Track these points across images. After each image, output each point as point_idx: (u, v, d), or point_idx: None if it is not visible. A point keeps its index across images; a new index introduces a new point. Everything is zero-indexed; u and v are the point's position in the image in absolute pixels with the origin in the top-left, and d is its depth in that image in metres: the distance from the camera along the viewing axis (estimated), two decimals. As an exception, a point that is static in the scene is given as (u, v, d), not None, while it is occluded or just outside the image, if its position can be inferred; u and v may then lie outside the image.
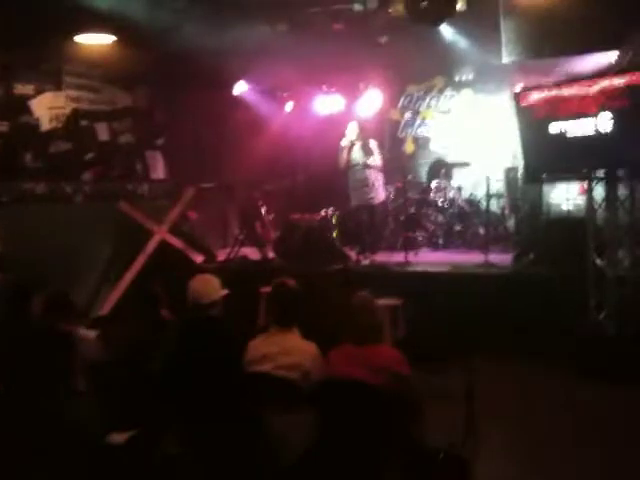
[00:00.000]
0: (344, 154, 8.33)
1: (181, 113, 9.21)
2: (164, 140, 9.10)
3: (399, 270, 7.39)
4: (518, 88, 6.29)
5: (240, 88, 10.09)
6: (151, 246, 8.11)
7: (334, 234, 10.53)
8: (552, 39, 6.66)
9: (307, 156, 10.92)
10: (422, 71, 10.55)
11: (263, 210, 10.77)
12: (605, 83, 5.59)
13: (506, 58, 7.14)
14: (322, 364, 3.38)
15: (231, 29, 7.69)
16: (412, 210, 9.79)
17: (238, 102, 10.21)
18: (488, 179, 8.98)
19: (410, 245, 9.36)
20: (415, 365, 3.63)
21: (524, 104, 6.22)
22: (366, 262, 7.90)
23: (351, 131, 8.40)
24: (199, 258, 8.37)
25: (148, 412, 3.32)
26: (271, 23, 8.04)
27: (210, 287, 3.76)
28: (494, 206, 9.67)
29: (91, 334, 4.16)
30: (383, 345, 3.39)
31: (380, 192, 8.38)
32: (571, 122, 5.89)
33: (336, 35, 8.23)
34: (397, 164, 10.68)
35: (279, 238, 8.42)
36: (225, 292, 3.85)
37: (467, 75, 10.45)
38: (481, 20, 7.30)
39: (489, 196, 9.55)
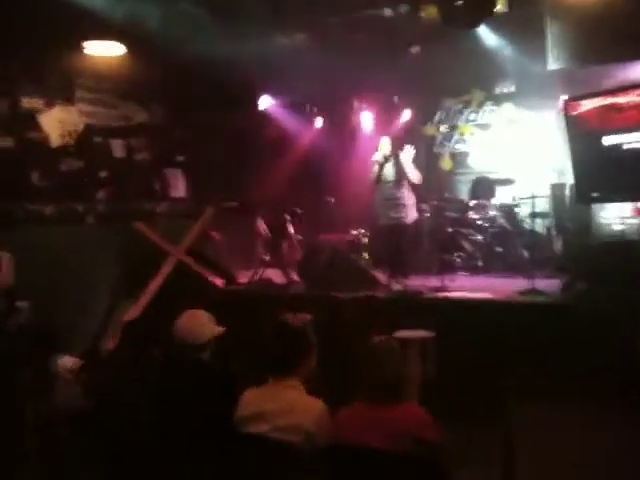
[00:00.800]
0: (375, 169, 7.75)
1: (202, 129, 8.75)
2: (185, 158, 8.64)
3: (433, 297, 6.71)
4: (567, 96, 5.58)
5: (265, 103, 9.62)
6: (167, 268, 7.62)
7: (365, 256, 9.98)
8: (604, 43, 5.94)
9: (337, 174, 10.35)
10: (459, 84, 9.93)
11: (291, 230, 10.29)
12: (669, 88, 4.90)
13: (552, 65, 6.45)
14: (329, 426, 2.76)
15: (249, 39, 7.20)
16: (449, 230, 9.12)
17: (263, 117, 9.75)
18: (533, 197, 8.31)
19: (447, 267, 8.71)
20: (449, 414, 3.00)
21: (574, 113, 5.55)
22: (398, 287, 7.25)
23: (384, 146, 7.82)
24: (218, 281, 7.84)
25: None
26: (287, 33, 7.52)
27: (201, 325, 3.18)
28: (539, 226, 8.97)
29: (68, 362, 3.62)
30: (406, 403, 2.74)
31: (412, 211, 7.74)
32: (628, 134, 5.20)
33: (363, 45, 7.67)
34: (433, 181, 10.09)
35: (303, 260, 7.85)
36: (220, 330, 3.26)
37: (508, 88, 9.78)
38: (524, 23, 6.62)
39: (534, 215, 8.88)
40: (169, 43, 7.01)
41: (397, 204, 7.65)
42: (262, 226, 9.62)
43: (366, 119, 10.56)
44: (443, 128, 10.39)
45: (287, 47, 7.85)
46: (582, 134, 5.50)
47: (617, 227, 8.20)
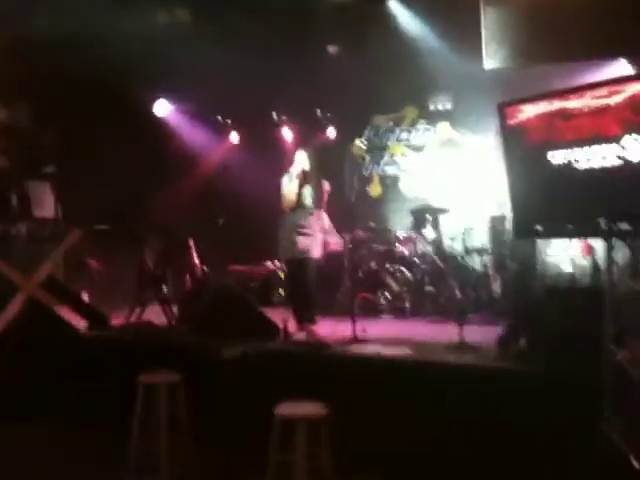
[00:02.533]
0: (291, 190, 6.36)
1: (81, 136, 7.26)
2: (56, 168, 7.12)
3: (339, 352, 5.32)
4: (502, 99, 4.34)
5: (161, 108, 8.19)
6: (15, 306, 6.06)
7: (280, 292, 8.65)
8: (550, 38, 4.76)
9: (253, 195, 8.99)
10: (389, 98, 8.76)
11: (195, 260, 8.93)
12: (634, 89, 3.68)
13: (488, 64, 5.24)
14: None
15: (128, 17, 5.81)
16: (373, 265, 7.83)
17: (160, 126, 8.32)
18: (468, 230, 7.17)
19: (369, 310, 7.43)
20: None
21: (513, 122, 4.30)
22: (299, 336, 5.85)
23: (300, 162, 6.44)
24: (82, 323, 6.29)
25: None
26: (168, 7, 6.13)
27: None
28: (476, 263, 7.84)
29: None
30: None
31: (318, 246, 6.37)
32: (581, 149, 3.97)
33: (270, 38, 6.35)
34: (360, 208, 8.82)
35: (185, 299, 6.39)
36: None
37: (444, 104, 8.65)
38: (458, 11, 5.40)
39: (470, 251, 7.77)
40: (24, 16, 5.58)
41: (305, 234, 6.30)
42: (149, 255, 8.14)
43: (286, 134, 9.27)
44: (372, 148, 9.19)
45: (177, 35, 6.48)
46: (523, 149, 4.26)
47: (565, 266, 7.07)
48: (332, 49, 6.64)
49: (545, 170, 4.11)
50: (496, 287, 7.49)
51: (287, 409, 4.03)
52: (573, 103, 3.92)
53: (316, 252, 6.33)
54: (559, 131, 4.01)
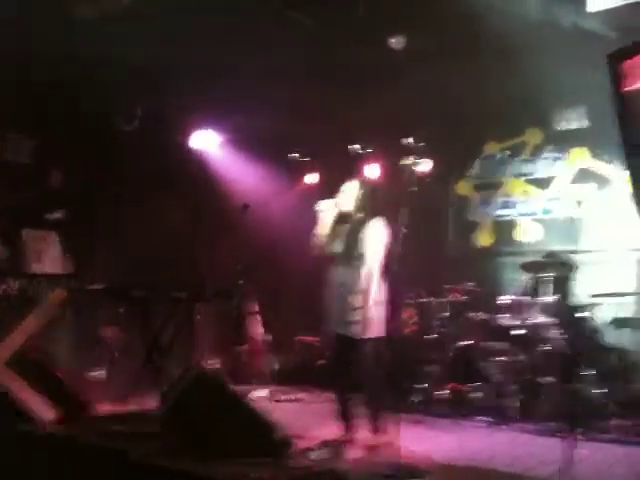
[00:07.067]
0: (324, 235, 4.39)
1: (97, 174, 5.95)
2: (65, 215, 5.83)
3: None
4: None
5: (203, 141, 6.69)
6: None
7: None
8: None
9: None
10: (506, 118, 6.63)
11: (258, 327, 7.43)
12: None
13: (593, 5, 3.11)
14: None
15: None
16: (467, 342, 5.64)
17: (201, 163, 6.83)
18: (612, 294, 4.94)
19: (457, 407, 5.29)
20: None
21: (632, 88, 2.15)
22: (316, 456, 3.82)
23: (347, 195, 4.45)
24: (49, 412, 4.74)
25: None
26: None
27: None
28: (625, 344, 5.49)
29: None
30: None
31: (375, 319, 4.26)
32: None
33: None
34: (465, 263, 6.79)
35: (169, 388, 4.63)
36: None
37: (578, 121, 6.36)
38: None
39: (617, 324, 5.51)
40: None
41: (352, 298, 4.25)
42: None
43: (372, 171, 7.42)
44: (481, 185, 7.06)
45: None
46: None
47: None
48: (396, 42, 4.74)
49: None
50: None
51: None
52: None
53: (360, 331, 4.22)
54: None
